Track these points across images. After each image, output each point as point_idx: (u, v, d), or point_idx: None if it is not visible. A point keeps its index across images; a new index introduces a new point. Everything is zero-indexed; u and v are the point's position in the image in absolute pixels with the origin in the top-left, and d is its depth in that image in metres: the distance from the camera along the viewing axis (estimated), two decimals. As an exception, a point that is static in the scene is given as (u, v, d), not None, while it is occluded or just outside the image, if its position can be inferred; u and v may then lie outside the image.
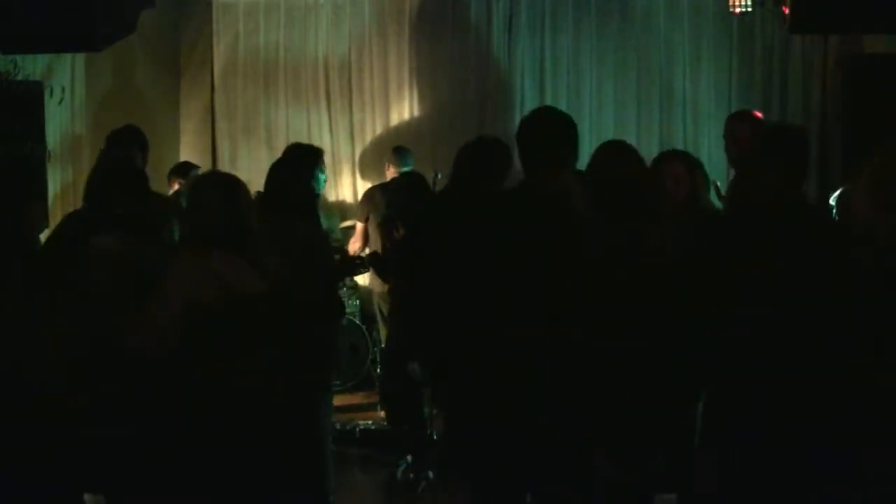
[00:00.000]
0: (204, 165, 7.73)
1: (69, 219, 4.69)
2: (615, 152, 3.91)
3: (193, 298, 3.56)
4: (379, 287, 6.56)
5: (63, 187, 6.97)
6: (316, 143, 8.54)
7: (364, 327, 7.48)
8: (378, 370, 7.15)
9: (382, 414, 6.59)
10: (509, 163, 4.57)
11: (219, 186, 3.80)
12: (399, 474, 5.70)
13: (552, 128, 3.57)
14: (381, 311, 6.81)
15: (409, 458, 5.75)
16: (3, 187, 4.09)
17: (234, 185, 3.82)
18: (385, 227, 5.94)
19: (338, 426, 6.16)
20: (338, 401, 6.14)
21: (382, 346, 6.79)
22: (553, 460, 3.45)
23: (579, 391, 3.39)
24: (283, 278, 3.92)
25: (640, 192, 3.72)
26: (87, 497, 3.97)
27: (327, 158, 8.41)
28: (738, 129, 5.07)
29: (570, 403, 3.40)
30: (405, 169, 6.90)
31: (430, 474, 5.62)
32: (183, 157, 8.29)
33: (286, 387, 3.79)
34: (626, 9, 8.26)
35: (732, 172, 5.71)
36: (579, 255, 3.43)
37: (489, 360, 3.43)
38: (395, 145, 7.67)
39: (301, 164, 5.13)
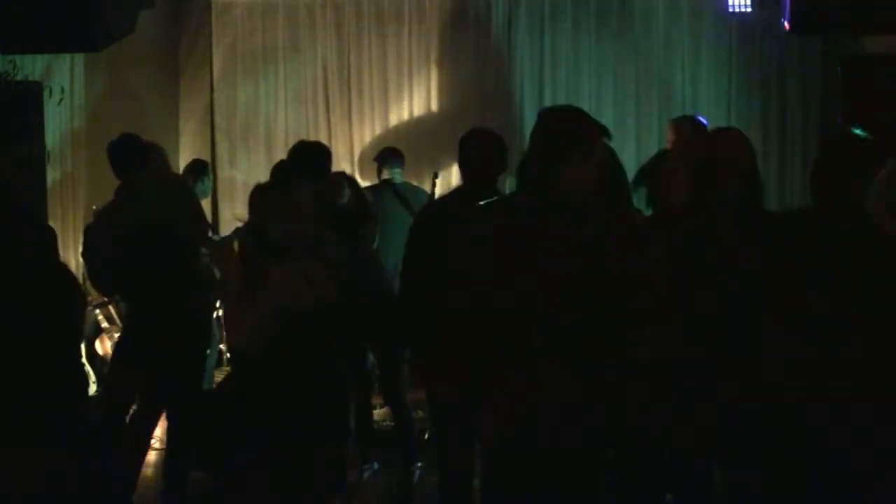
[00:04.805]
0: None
1: None
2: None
3: (288, 303, 3.85)
4: None
5: (62, 187, 6.97)
6: (315, 143, 8.59)
7: (364, 328, 7.46)
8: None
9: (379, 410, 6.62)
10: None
11: (310, 197, 4.14)
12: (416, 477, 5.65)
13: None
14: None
15: (419, 464, 5.67)
16: None
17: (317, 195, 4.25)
18: None
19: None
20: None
21: None
22: None
23: None
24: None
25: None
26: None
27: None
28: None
29: None
30: (396, 170, 6.86)
31: (376, 465, 5.73)
32: (182, 158, 8.29)
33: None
34: (625, 8, 8.26)
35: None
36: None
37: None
38: (391, 146, 7.67)
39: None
